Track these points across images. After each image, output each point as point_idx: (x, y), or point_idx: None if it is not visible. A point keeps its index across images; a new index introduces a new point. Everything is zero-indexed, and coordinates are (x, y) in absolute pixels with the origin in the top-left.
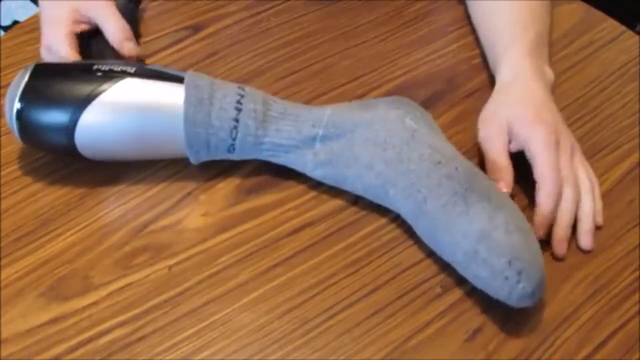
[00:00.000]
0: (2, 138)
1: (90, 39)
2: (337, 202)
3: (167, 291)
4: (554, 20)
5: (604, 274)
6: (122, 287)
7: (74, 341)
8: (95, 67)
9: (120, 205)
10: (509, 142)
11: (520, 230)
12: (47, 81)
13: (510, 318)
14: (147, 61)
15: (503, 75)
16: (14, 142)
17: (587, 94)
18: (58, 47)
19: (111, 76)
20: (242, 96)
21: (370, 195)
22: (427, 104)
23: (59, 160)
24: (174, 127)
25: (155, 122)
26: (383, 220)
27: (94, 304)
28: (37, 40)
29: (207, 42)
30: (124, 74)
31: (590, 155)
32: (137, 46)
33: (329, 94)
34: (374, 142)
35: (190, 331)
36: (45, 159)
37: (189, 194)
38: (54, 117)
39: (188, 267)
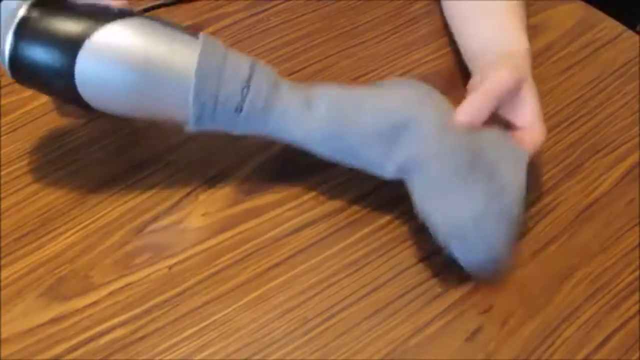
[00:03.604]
0: (2, 138)
1: None
2: (337, 202)
3: (167, 291)
4: (554, 20)
5: (604, 274)
6: (122, 287)
7: (74, 341)
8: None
9: (120, 205)
10: None
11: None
12: (49, 13)
13: (510, 318)
14: None
15: None
16: (14, 142)
17: (586, 93)
18: None
19: (123, 14)
20: (255, 62)
21: (368, 165)
22: None
23: (59, 160)
24: (183, 76)
25: (165, 63)
26: (383, 221)
27: (94, 303)
28: None
29: None
30: (139, 13)
31: (590, 155)
32: None
33: None
34: (384, 110)
35: (190, 331)
36: (46, 159)
37: (189, 194)
38: (53, 53)
39: (188, 267)
